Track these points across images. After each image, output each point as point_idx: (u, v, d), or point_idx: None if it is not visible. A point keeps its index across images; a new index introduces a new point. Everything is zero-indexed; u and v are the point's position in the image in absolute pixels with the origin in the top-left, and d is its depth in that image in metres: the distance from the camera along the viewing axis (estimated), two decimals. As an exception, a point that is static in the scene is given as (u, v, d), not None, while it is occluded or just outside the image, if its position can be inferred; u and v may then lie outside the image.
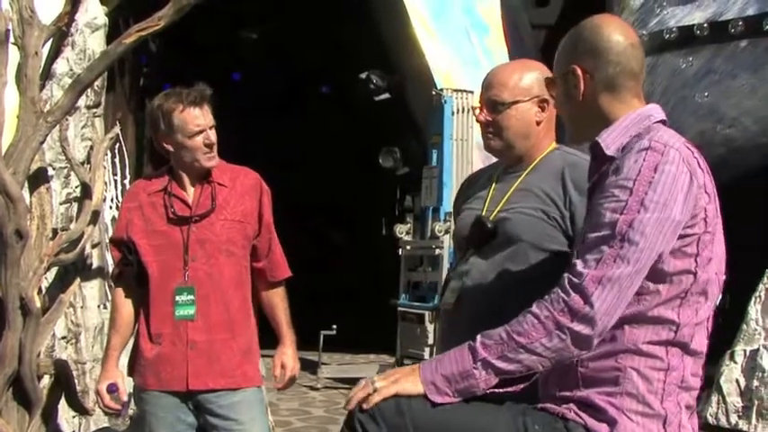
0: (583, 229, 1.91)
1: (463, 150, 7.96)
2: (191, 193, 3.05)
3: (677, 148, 1.76)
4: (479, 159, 8.74)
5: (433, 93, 8.10)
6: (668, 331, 1.78)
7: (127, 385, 3.05)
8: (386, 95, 9.34)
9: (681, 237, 1.75)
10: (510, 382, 1.80)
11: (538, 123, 2.51)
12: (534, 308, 1.76)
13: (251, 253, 3.10)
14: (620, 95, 1.92)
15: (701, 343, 1.82)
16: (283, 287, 3.21)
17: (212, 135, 3.01)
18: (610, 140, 1.87)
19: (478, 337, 1.80)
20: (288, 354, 3.14)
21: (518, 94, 2.48)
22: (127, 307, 3.08)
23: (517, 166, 2.53)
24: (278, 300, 3.18)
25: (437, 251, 7.65)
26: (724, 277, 1.85)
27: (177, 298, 2.96)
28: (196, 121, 2.96)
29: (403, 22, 8.99)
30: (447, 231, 7.54)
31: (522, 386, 1.82)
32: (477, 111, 2.54)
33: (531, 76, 2.51)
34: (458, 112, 7.97)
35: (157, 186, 3.08)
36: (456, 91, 8.05)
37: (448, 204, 7.68)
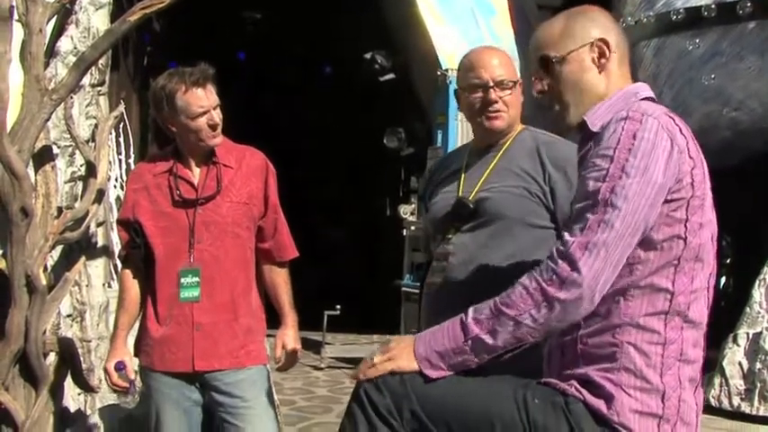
0: (571, 203, 1.92)
1: (468, 131, 7.88)
2: (196, 174, 3.05)
3: (656, 116, 1.78)
4: (484, 140, 8.72)
5: (438, 73, 8.07)
6: (663, 300, 1.78)
7: (134, 364, 3.07)
8: (390, 76, 9.31)
9: (667, 201, 1.77)
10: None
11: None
12: (524, 279, 1.78)
13: (257, 234, 3.09)
14: (626, 71, 1.97)
15: (699, 312, 1.83)
16: (287, 268, 3.21)
17: (216, 115, 2.99)
18: (595, 118, 1.89)
19: (470, 311, 1.82)
20: (289, 335, 3.15)
21: (515, 75, 2.57)
22: (135, 288, 3.08)
23: (488, 147, 2.58)
24: (281, 280, 3.18)
25: (441, 232, 7.63)
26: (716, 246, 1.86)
27: (182, 280, 2.96)
28: (199, 102, 2.95)
29: (408, 2, 8.94)
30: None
31: (512, 354, 1.83)
32: (487, 90, 2.53)
33: (512, 60, 2.61)
34: (463, 93, 7.93)
35: (163, 167, 3.07)
36: (461, 71, 8.00)
37: (452, 185, 7.68)
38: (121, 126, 7.33)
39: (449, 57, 8.84)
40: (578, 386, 1.81)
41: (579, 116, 1.98)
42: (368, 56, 9.23)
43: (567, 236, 1.76)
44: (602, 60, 1.94)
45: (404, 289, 8.01)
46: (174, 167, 3.04)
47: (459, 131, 7.89)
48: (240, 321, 3.03)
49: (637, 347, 1.78)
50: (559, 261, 1.73)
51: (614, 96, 1.92)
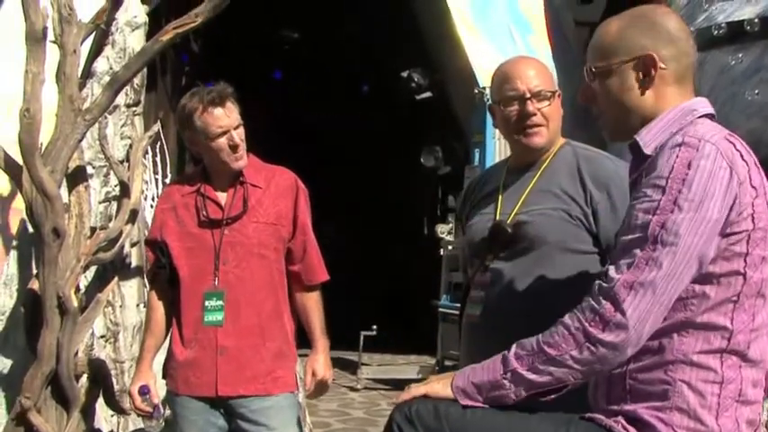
0: (617, 232, 1.81)
1: (506, 149, 7.80)
2: (223, 194, 3.00)
3: (714, 141, 1.65)
4: (522, 158, 8.62)
5: (476, 91, 8.00)
6: (721, 339, 1.66)
7: (160, 388, 3.02)
8: (427, 94, 9.25)
9: (726, 235, 1.65)
10: (544, 391, 1.72)
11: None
12: (566, 318, 1.68)
13: (286, 256, 3.03)
14: (685, 89, 1.82)
15: (761, 351, 1.70)
16: (319, 291, 3.13)
17: (236, 135, 2.92)
18: (649, 138, 1.77)
19: (514, 346, 1.74)
20: (319, 361, 3.06)
21: (554, 85, 2.42)
22: (161, 309, 3.04)
23: (527, 165, 2.43)
24: (312, 304, 3.10)
25: (479, 251, 7.54)
26: None
27: (206, 303, 2.91)
28: (218, 122, 2.89)
29: (445, 20, 8.90)
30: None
31: (554, 396, 1.73)
32: (524, 102, 2.37)
33: (549, 70, 2.47)
34: (500, 111, 7.85)
35: (191, 187, 3.03)
36: (499, 89, 7.93)
37: (490, 204, 7.58)
38: (158, 146, 7.37)
39: (486, 74, 8.76)
40: (625, 423, 1.71)
41: (617, 134, 1.88)
42: (404, 74, 9.18)
43: (612, 271, 1.65)
44: (647, 78, 1.80)
45: (441, 309, 7.92)
46: (201, 187, 3.00)
47: (497, 150, 7.81)
48: (268, 346, 2.96)
49: (691, 386, 1.67)
50: (603, 300, 1.63)
51: (669, 114, 1.78)
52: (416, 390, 1.80)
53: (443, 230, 8.22)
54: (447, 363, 7.88)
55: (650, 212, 1.63)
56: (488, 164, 7.72)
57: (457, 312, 8.40)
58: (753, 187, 1.66)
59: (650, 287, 1.60)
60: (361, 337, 8.41)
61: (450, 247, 8.09)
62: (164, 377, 3.07)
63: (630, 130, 1.85)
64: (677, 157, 1.63)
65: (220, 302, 2.91)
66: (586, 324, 1.63)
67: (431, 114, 9.74)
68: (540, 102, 2.38)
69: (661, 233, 1.61)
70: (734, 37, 6.98)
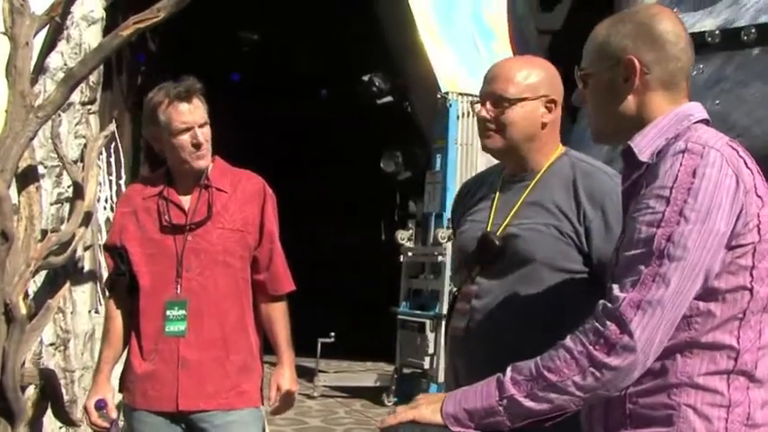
0: (617, 246, 1.70)
1: (468, 155, 7.79)
2: (187, 198, 2.86)
3: (718, 148, 1.56)
4: (484, 165, 8.57)
5: (438, 96, 7.94)
6: (727, 359, 1.56)
7: (117, 401, 2.87)
8: (388, 99, 9.17)
9: (732, 248, 1.55)
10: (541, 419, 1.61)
11: (543, 126, 2.29)
12: (568, 340, 1.56)
13: (251, 264, 2.90)
14: (674, 95, 1.70)
15: None
16: (284, 302, 2.98)
17: (201, 134, 2.78)
18: (644, 144, 1.66)
19: (509, 370, 1.62)
20: (285, 375, 2.91)
21: (525, 91, 2.26)
22: (119, 319, 2.88)
23: (522, 173, 2.31)
24: (277, 314, 2.94)
25: (439, 258, 7.48)
26: None
27: (168, 312, 2.76)
28: (182, 117, 2.75)
29: (408, 25, 8.84)
30: (450, 238, 7.36)
31: (551, 423, 1.62)
32: (478, 106, 2.30)
33: (540, 73, 2.30)
34: (463, 116, 7.81)
35: (153, 190, 2.88)
36: (461, 94, 7.89)
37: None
38: (113, 146, 7.17)
39: (448, 80, 8.73)
40: None
41: (601, 137, 1.81)
42: (366, 78, 9.09)
43: (616, 290, 1.54)
44: (628, 83, 1.70)
45: (400, 316, 7.84)
46: (164, 191, 2.86)
47: (459, 155, 7.75)
48: (232, 359, 2.82)
49: (696, 410, 1.56)
50: (608, 322, 1.52)
51: (665, 119, 1.68)
52: (403, 414, 1.67)
53: (403, 236, 8.12)
54: (405, 370, 7.80)
55: (654, 225, 1.52)
56: (450, 170, 7.67)
57: (416, 320, 8.35)
58: (758, 196, 1.57)
59: (658, 306, 1.50)
60: (319, 344, 8.28)
61: (410, 254, 8.00)
62: (120, 390, 2.91)
63: (613, 135, 1.78)
64: (681, 164, 1.53)
65: (183, 312, 2.77)
66: (590, 347, 1.52)
67: (391, 119, 9.66)
68: (497, 107, 2.26)
69: (668, 247, 1.51)
70: (695, 48, 6.98)
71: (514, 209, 2.27)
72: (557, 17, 9.74)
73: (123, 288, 2.85)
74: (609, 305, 1.53)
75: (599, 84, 1.75)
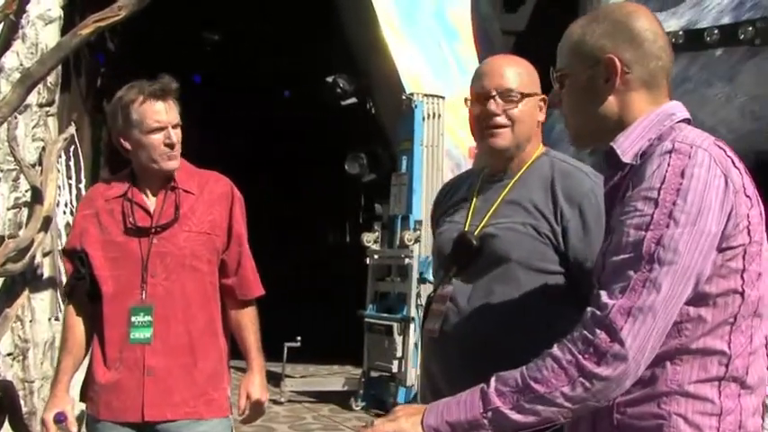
0: (603, 251, 1.63)
1: (433, 157, 7.75)
2: (153, 200, 2.76)
3: (706, 147, 1.51)
4: (449, 167, 8.56)
5: (403, 97, 7.88)
6: (718, 365, 1.51)
7: (78, 413, 2.76)
8: (353, 100, 9.11)
9: (722, 250, 1.50)
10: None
11: (538, 125, 2.26)
12: (555, 350, 1.49)
13: (219, 268, 2.81)
14: (655, 94, 1.65)
15: (759, 375, 1.55)
16: (254, 307, 2.90)
17: (174, 134, 2.69)
18: (627, 145, 1.61)
19: (493, 380, 1.54)
20: (255, 383, 2.82)
21: (530, 86, 2.22)
22: (79, 326, 2.77)
23: (501, 173, 2.27)
24: (247, 321, 2.86)
25: (406, 261, 7.42)
26: None
27: (133, 319, 2.66)
28: (156, 116, 2.67)
29: (372, 26, 8.79)
30: (417, 240, 7.32)
31: None
32: (487, 101, 2.19)
33: (533, 72, 2.27)
34: (428, 118, 7.76)
35: (117, 191, 2.77)
36: (427, 96, 7.84)
37: (418, 212, 7.48)
38: (72, 149, 7.04)
39: (413, 81, 8.69)
40: None
41: (580, 139, 1.74)
42: (330, 79, 9.02)
43: (604, 297, 1.48)
44: (608, 83, 1.65)
45: (367, 320, 7.76)
46: (128, 192, 2.75)
47: (425, 157, 7.71)
48: (200, 366, 2.73)
49: (687, 420, 1.51)
50: (597, 330, 1.45)
51: (646, 119, 1.63)
52: (381, 428, 1.59)
53: (369, 239, 8.05)
54: (373, 374, 7.73)
55: (643, 228, 1.47)
56: (416, 171, 7.61)
57: (383, 323, 8.27)
58: (747, 197, 1.53)
59: (650, 312, 1.44)
60: (285, 349, 8.17)
61: (376, 257, 7.93)
62: (82, 400, 2.80)
63: (592, 137, 1.72)
64: (669, 165, 1.48)
65: (148, 318, 2.67)
66: (579, 357, 1.45)
67: (356, 121, 9.60)
68: (507, 102, 2.20)
69: (657, 250, 1.45)
70: (659, 48, 7.04)
71: (492, 208, 2.22)
72: (521, 18, 9.76)
73: (83, 293, 2.74)
74: (597, 312, 1.47)
75: (577, 84, 1.69)
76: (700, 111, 6.99)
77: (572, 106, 1.72)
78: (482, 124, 2.22)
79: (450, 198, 2.41)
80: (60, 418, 2.63)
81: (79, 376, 2.85)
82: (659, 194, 1.47)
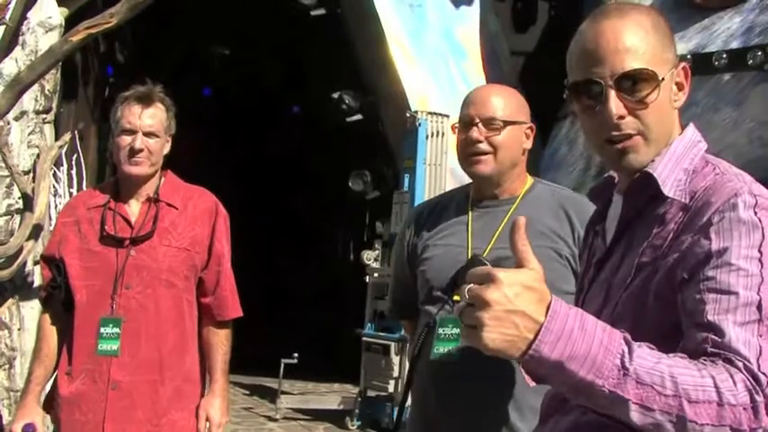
0: (690, 300, 1.40)
1: (436, 175, 7.70)
2: (135, 210, 2.72)
3: None
4: (452, 185, 8.49)
5: (408, 115, 7.85)
6: None
7: (47, 424, 2.71)
8: (358, 117, 9.08)
9: None
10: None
11: (523, 152, 2.33)
12: (718, 379, 1.28)
13: (198, 286, 2.76)
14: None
15: None
16: (229, 329, 2.84)
17: (140, 140, 2.65)
18: (666, 174, 1.48)
19: (635, 359, 1.25)
20: (215, 405, 2.74)
21: (515, 115, 2.30)
22: (53, 336, 2.73)
23: (498, 198, 2.31)
24: (217, 341, 2.80)
25: (406, 279, 7.34)
26: None
27: (102, 330, 2.61)
28: (130, 117, 2.65)
29: (380, 43, 8.78)
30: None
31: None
32: (470, 128, 2.26)
33: (521, 101, 2.36)
34: (432, 136, 7.72)
35: (99, 200, 2.74)
36: (431, 114, 7.81)
37: (419, 231, 7.42)
38: (74, 158, 7.02)
39: (418, 99, 8.66)
40: None
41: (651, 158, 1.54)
42: (335, 96, 9.00)
43: (745, 353, 1.30)
44: (681, 93, 1.53)
45: (365, 338, 7.69)
46: (110, 202, 2.72)
47: (427, 175, 7.66)
48: (167, 384, 2.67)
49: None
50: (757, 398, 1.28)
51: (679, 145, 1.52)
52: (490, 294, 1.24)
53: (369, 257, 8.00)
54: (370, 393, 7.65)
55: (754, 289, 1.36)
56: (418, 189, 7.56)
57: (380, 342, 8.16)
58: None
59: None
60: (282, 365, 8.11)
61: (375, 275, 7.87)
62: (47, 411, 2.74)
63: (658, 147, 1.52)
64: (760, 220, 1.39)
65: (117, 330, 2.62)
66: (740, 407, 1.28)
67: (361, 138, 9.57)
68: (490, 130, 2.25)
69: None
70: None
71: (498, 232, 2.26)
72: (530, 39, 9.73)
73: (58, 302, 2.70)
74: (752, 379, 1.30)
75: (666, 92, 1.50)
76: (707, 136, 6.80)
77: (660, 114, 1.50)
78: (466, 151, 2.28)
79: (436, 221, 2.40)
80: (28, 430, 2.58)
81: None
82: (761, 255, 1.38)
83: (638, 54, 1.46)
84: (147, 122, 2.66)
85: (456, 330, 2.21)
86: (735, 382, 1.27)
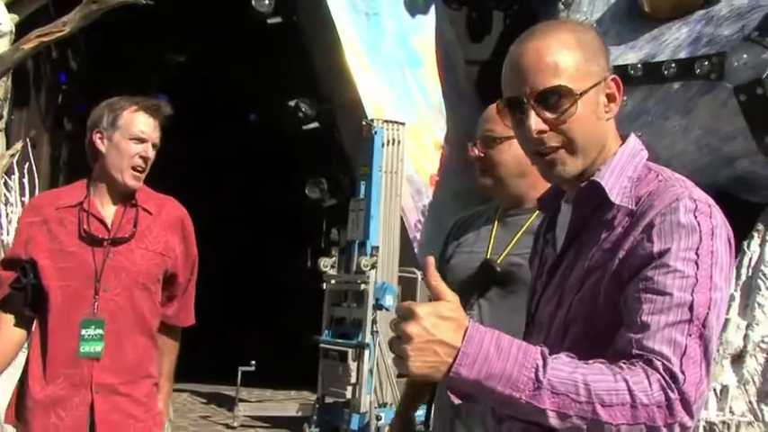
0: (630, 299, 1.46)
1: (392, 183, 7.74)
2: (110, 213, 2.73)
3: (715, 205, 1.51)
4: (408, 193, 8.57)
5: (364, 123, 7.88)
6: None
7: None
8: (314, 125, 9.11)
9: None
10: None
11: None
12: (632, 381, 1.35)
13: (165, 290, 2.81)
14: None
15: (700, 408, 1.49)
16: (179, 334, 2.93)
17: (151, 151, 2.72)
18: (612, 183, 1.54)
19: (549, 370, 1.34)
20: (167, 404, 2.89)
21: (511, 129, 2.33)
22: (11, 336, 2.70)
23: (519, 208, 2.44)
24: (171, 346, 2.90)
25: (362, 286, 7.37)
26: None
27: (83, 332, 2.61)
28: (143, 126, 2.69)
29: (336, 52, 8.81)
30: (373, 266, 7.29)
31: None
32: (473, 146, 2.45)
33: None
34: (388, 144, 7.76)
35: (70, 201, 2.73)
36: (387, 122, 7.84)
37: (375, 238, 7.45)
38: (26, 166, 6.94)
39: (374, 107, 8.71)
40: None
41: (583, 172, 1.59)
42: (292, 103, 9.02)
43: (668, 352, 1.37)
44: (614, 103, 1.56)
45: (322, 345, 7.70)
46: (84, 202, 2.71)
47: (383, 183, 7.70)
48: (145, 382, 2.73)
49: None
50: (673, 396, 1.36)
51: (622, 156, 1.56)
52: (419, 310, 1.33)
53: (326, 264, 8.00)
54: (327, 400, 7.66)
55: (687, 291, 1.42)
56: (374, 197, 7.59)
57: (338, 348, 8.18)
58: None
59: (706, 379, 1.41)
60: (239, 373, 8.09)
61: (332, 282, 7.89)
62: (8, 422, 2.72)
63: (586, 160, 1.57)
64: (699, 225, 1.45)
65: (100, 331, 2.62)
66: (654, 406, 1.35)
67: (317, 145, 9.60)
68: (486, 148, 2.41)
69: (708, 317, 1.42)
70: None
71: (515, 239, 2.38)
72: (485, 48, 9.83)
73: (20, 303, 2.67)
74: (667, 376, 1.37)
75: (586, 106, 1.53)
76: (657, 143, 7.06)
77: (583, 127, 1.55)
78: (475, 166, 2.46)
79: (465, 230, 2.56)
80: None
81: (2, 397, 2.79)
82: (698, 257, 1.44)
83: (556, 71, 1.52)
84: (155, 135, 2.73)
85: None
86: (650, 383, 1.35)
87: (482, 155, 2.40)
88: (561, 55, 1.53)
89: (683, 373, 1.37)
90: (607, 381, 1.35)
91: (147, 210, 2.76)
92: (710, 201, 1.50)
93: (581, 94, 1.52)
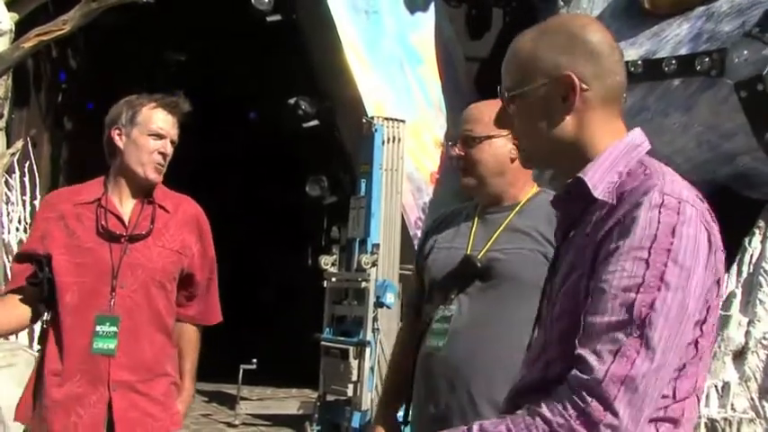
0: (591, 293, 1.48)
1: (392, 180, 7.74)
2: (128, 210, 2.72)
3: (692, 202, 1.44)
4: (408, 190, 8.57)
5: (364, 121, 7.88)
6: (661, 408, 1.46)
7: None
8: (314, 122, 9.11)
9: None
10: None
11: (512, 161, 2.45)
12: (545, 410, 1.38)
13: (186, 290, 2.82)
14: (613, 113, 1.56)
15: (691, 414, 1.51)
16: (200, 333, 2.93)
17: (170, 147, 2.73)
18: (597, 179, 1.51)
19: (475, 428, 1.43)
20: (186, 403, 2.85)
21: (492, 129, 2.40)
22: (17, 314, 2.68)
23: (498, 206, 2.50)
24: (194, 345, 2.90)
25: (363, 284, 7.37)
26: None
27: (98, 328, 2.60)
28: (162, 123, 2.70)
29: (336, 50, 8.81)
30: (374, 264, 7.29)
31: None
32: (454, 146, 2.51)
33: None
34: (388, 142, 7.76)
35: (87, 197, 2.73)
36: (387, 119, 7.84)
37: (376, 236, 7.45)
38: (27, 165, 6.95)
39: (375, 105, 8.71)
40: None
41: (533, 162, 1.67)
42: (292, 101, 9.01)
43: (592, 360, 1.37)
44: (566, 102, 1.55)
45: (323, 343, 7.71)
46: (102, 199, 2.71)
47: (384, 181, 7.70)
48: (163, 380, 2.72)
49: None
50: (588, 397, 1.35)
51: (615, 150, 1.53)
52: None
53: (327, 262, 7.99)
54: (329, 398, 7.67)
55: (632, 290, 1.38)
56: (375, 194, 7.59)
57: (339, 346, 8.23)
58: (722, 251, 1.49)
59: (643, 380, 1.36)
60: (241, 371, 8.09)
61: (333, 280, 7.89)
62: (19, 419, 2.71)
63: (546, 159, 1.63)
64: (659, 222, 1.40)
65: (114, 329, 2.60)
66: (572, 422, 1.35)
67: (318, 143, 9.60)
68: (466, 147, 2.47)
69: (650, 315, 1.37)
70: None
71: (494, 236, 2.44)
72: (485, 45, 9.83)
73: (34, 299, 2.66)
74: (586, 378, 1.37)
75: (530, 104, 1.58)
76: (657, 140, 7.02)
77: (525, 128, 1.61)
78: (456, 165, 2.53)
79: (446, 227, 2.60)
80: None
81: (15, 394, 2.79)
82: (650, 255, 1.39)
83: (507, 77, 1.63)
84: (174, 132, 2.74)
85: (446, 326, 2.39)
86: (566, 405, 1.36)
87: (462, 154, 2.47)
88: (510, 61, 1.63)
89: (602, 365, 1.36)
90: (526, 421, 1.40)
91: (165, 208, 2.76)
92: (686, 196, 1.45)
93: (513, 98, 1.61)
